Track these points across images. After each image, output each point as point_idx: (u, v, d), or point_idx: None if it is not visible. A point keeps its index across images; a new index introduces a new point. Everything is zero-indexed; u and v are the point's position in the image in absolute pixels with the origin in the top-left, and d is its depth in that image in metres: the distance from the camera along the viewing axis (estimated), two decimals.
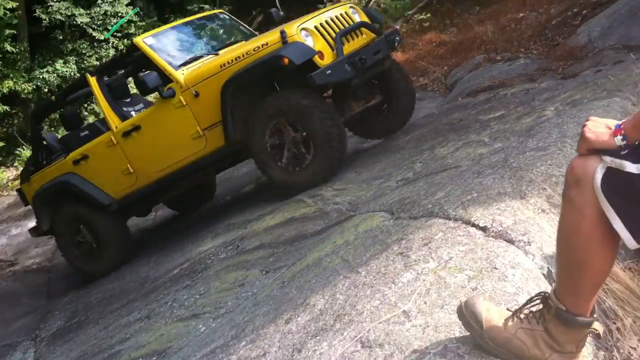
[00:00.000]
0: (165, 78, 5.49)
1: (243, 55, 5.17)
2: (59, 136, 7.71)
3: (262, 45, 5.12)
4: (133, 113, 6.32)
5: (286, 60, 4.84)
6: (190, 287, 4.27)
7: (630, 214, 1.49)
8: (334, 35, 5.22)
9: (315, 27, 5.21)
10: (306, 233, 4.15)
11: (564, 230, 1.65)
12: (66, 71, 14.56)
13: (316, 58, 4.96)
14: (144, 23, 15.61)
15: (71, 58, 14.97)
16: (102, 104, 5.96)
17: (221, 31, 6.59)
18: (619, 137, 1.49)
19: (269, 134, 5.20)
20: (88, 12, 14.90)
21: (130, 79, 7.59)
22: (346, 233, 3.45)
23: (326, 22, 5.33)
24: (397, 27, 7.08)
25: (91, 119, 13.23)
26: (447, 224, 2.64)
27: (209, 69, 5.34)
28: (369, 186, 4.63)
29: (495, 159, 3.40)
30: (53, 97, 6.76)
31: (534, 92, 5.43)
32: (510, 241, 2.35)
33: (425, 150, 4.88)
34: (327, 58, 5.06)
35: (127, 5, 15.14)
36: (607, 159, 1.50)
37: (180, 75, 5.43)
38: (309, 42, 5.04)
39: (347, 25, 5.45)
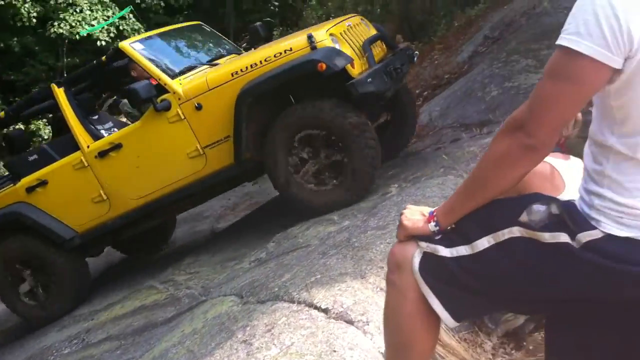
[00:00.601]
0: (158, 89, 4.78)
1: (261, 62, 4.56)
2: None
3: (286, 51, 4.53)
4: (103, 132, 5.45)
5: (323, 66, 4.28)
6: None
7: (447, 296, 1.56)
8: (355, 44, 4.75)
9: (341, 34, 4.72)
10: (156, 322, 4.00)
11: (388, 313, 1.70)
12: None
13: (349, 66, 4.43)
14: None
15: None
16: (71, 120, 5.10)
17: (207, 42, 5.98)
18: (433, 224, 1.57)
19: (293, 150, 4.61)
20: None
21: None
22: (195, 320, 3.37)
23: (346, 30, 4.85)
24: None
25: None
26: (291, 308, 2.64)
27: (216, 78, 4.68)
28: (222, 268, 4.58)
29: (340, 238, 3.48)
30: (2, 113, 5.68)
31: (381, 170, 5.65)
32: (350, 322, 2.38)
33: (279, 228, 4.91)
34: (357, 67, 4.54)
35: None
36: (423, 244, 1.57)
37: (178, 85, 4.77)
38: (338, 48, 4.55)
39: (362, 35, 4.97)
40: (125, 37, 10.98)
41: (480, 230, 1.48)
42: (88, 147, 5.04)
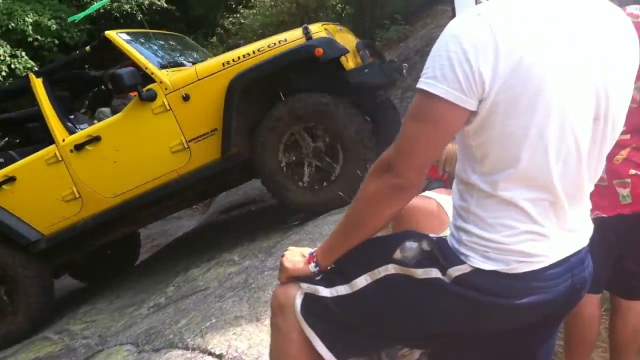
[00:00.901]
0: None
1: (254, 52, 4.41)
2: None
3: (280, 42, 4.41)
4: (78, 130, 4.98)
5: (320, 51, 4.18)
6: None
7: (330, 336, 1.56)
8: (347, 44, 4.60)
9: (334, 32, 4.64)
10: None
11: (273, 356, 1.68)
12: None
13: (343, 59, 4.32)
14: None
15: None
16: (47, 112, 4.78)
17: (191, 49, 5.75)
18: (313, 264, 1.58)
19: (284, 148, 4.43)
20: None
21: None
22: None
23: (338, 31, 4.80)
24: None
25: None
26: (185, 355, 2.59)
27: (206, 68, 4.51)
28: (120, 315, 4.43)
29: (238, 279, 3.46)
30: None
31: (283, 207, 5.67)
32: None
33: (180, 271, 4.82)
34: (351, 63, 4.42)
35: None
36: (304, 285, 1.58)
37: (165, 75, 4.55)
38: None
39: (351, 41, 4.86)
40: (18, 76, 10.56)
41: (358, 268, 1.51)
42: (63, 140, 4.73)
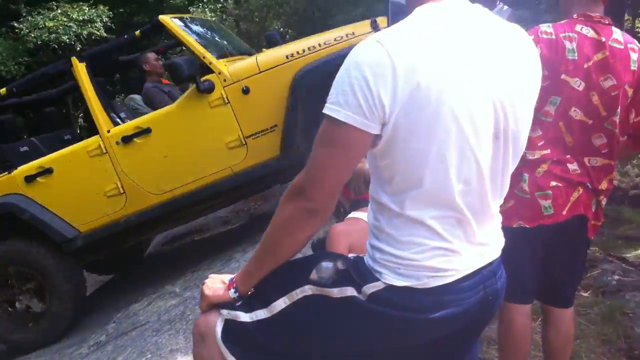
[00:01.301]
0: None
1: (320, 45, 4.21)
2: None
3: (347, 35, 4.24)
4: (118, 121, 4.64)
5: None
6: None
7: None
8: None
9: None
10: None
11: None
12: None
13: None
14: None
15: None
16: (92, 100, 4.43)
17: (234, 39, 5.39)
18: (232, 290, 1.57)
19: None
20: None
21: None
22: None
23: None
24: None
25: None
26: None
27: (268, 60, 4.26)
28: (61, 356, 4.31)
29: (176, 312, 3.40)
30: (3, 90, 4.80)
31: (227, 235, 5.64)
32: None
33: (122, 307, 4.72)
34: None
35: None
36: (224, 311, 1.56)
37: (224, 65, 4.27)
38: None
39: None
40: None
41: (276, 292, 1.50)
42: (109, 131, 4.41)
